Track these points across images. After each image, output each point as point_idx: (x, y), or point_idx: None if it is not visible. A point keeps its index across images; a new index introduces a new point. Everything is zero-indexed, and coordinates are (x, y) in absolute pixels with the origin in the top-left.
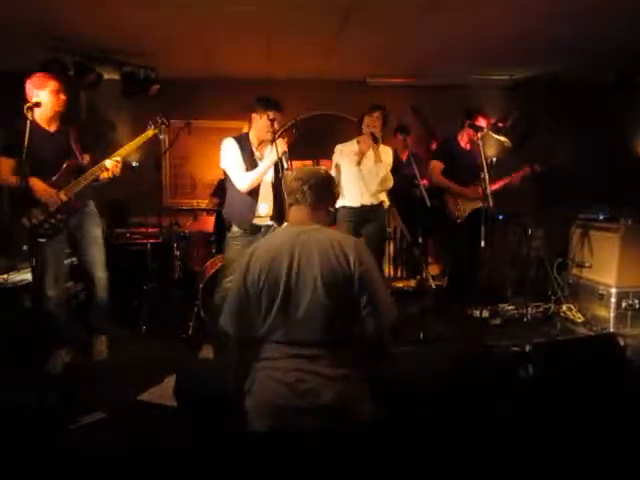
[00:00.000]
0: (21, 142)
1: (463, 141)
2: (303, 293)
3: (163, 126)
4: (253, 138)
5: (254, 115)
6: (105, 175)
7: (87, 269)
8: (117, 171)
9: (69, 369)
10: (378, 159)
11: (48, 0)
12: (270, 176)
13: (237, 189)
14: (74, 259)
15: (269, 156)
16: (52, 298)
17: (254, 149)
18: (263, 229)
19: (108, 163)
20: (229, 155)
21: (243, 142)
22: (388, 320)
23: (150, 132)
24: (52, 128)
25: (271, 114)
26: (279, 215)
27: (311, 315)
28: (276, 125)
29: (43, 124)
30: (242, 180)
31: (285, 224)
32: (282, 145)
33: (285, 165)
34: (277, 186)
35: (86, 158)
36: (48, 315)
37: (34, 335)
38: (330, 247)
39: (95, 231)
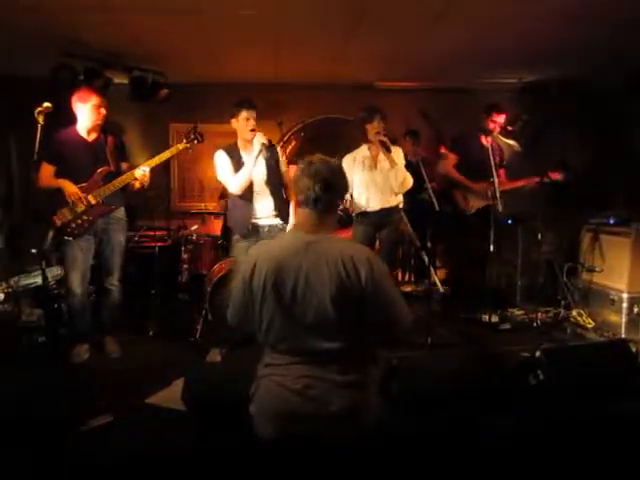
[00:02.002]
0: (51, 148)
1: (484, 137)
2: (310, 307)
3: (195, 141)
4: (240, 142)
5: (232, 120)
6: (137, 185)
7: (103, 273)
8: (146, 180)
9: (82, 369)
10: (393, 163)
11: (56, 5)
12: (262, 174)
13: (234, 197)
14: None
15: (250, 153)
16: (77, 295)
17: (242, 153)
18: (266, 228)
19: (137, 173)
20: (219, 165)
21: (231, 149)
22: (405, 324)
23: (181, 145)
24: (91, 137)
25: (245, 113)
26: (282, 212)
27: (319, 328)
28: (251, 124)
29: (83, 133)
30: (232, 183)
31: (291, 227)
32: (260, 138)
33: (268, 154)
34: (273, 183)
35: (124, 166)
36: (72, 311)
37: (46, 337)
38: (341, 261)
39: (120, 237)
